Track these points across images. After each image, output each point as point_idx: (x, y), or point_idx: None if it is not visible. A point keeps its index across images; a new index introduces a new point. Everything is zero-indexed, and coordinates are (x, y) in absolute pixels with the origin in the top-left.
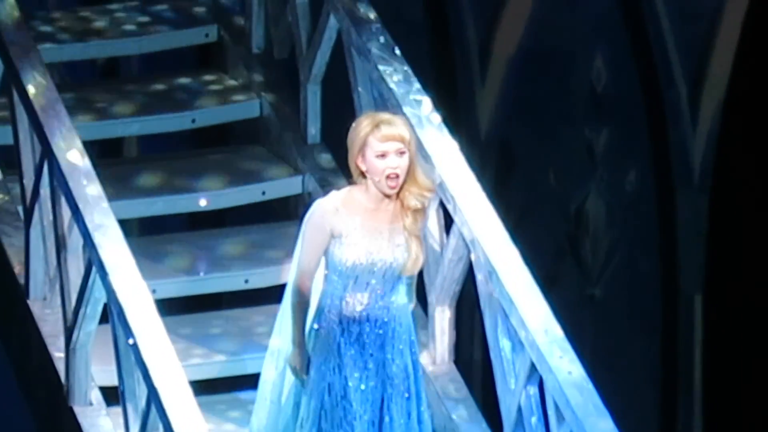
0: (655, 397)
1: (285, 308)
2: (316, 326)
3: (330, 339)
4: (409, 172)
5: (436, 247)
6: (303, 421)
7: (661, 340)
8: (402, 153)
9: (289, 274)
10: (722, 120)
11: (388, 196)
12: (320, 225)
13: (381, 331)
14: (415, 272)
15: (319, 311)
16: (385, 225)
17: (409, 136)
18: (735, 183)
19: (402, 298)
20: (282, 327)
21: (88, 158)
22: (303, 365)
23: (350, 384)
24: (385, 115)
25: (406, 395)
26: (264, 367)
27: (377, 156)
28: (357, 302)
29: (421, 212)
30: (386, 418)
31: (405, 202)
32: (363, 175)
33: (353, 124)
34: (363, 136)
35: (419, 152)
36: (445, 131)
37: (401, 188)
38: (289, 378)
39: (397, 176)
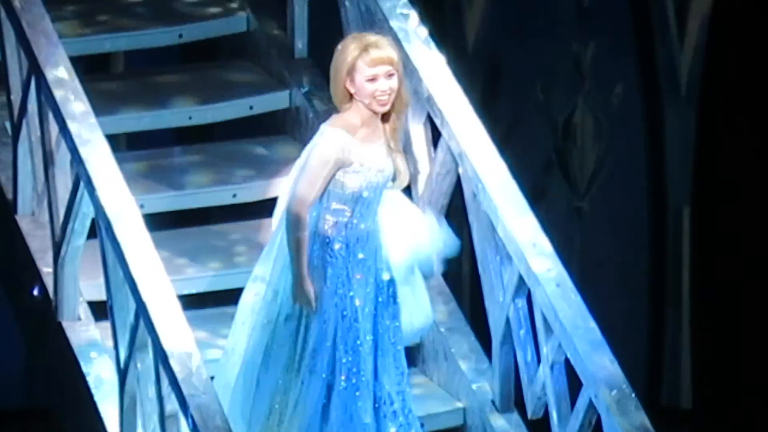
0: (644, 309)
1: (274, 239)
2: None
3: (339, 267)
4: (398, 92)
5: (424, 161)
6: (314, 351)
7: (649, 253)
8: (391, 75)
9: (283, 202)
10: (709, 33)
11: (376, 113)
12: (332, 159)
13: (377, 243)
14: (405, 184)
15: (324, 241)
16: (379, 142)
17: (397, 57)
18: (722, 95)
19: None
20: (270, 256)
21: (75, 74)
22: (312, 296)
23: (358, 306)
24: (372, 37)
25: (392, 300)
26: (245, 291)
27: (367, 80)
28: (361, 222)
29: (399, 128)
30: (380, 330)
31: (390, 119)
32: (350, 97)
33: (338, 47)
34: (351, 60)
35: (407, 71)
36: (432, 45)
37: (390, 108)
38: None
39: (388, 98)
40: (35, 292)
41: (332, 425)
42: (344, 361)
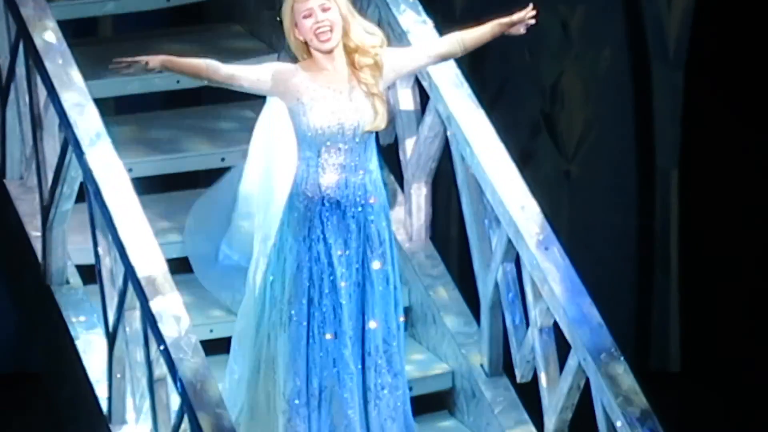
0: (632, 274)
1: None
2: (299, 198)
3: (311, 210)
4: (349, 33)
5: (412, 124)
6: (291, 297)
7: (638, 217)
8: (326, 9)
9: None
10: None
11: (329, 53)
12: (274, 68)
13: (360, 192)
14: (382, 127)
15: (297, 186)
16: (343, 85)
17: None
18: (710, 58)
19: (376, 165)
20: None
21: (63, 38)
22: (148, 62)
23: (334, 251)
24: None
25: (383, 258)
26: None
27: (304, 17)
28: (333, 168)
29: (374, 67)
30: (367, 284)
31: (355, 61)
32: (307, 50)
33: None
34: (289, 6)
35: (394, 34)
36: (420, 8)
37: (346, 49)
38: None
39: (328, 29)
40: None
41: (317, 370)
42: (320, 306)
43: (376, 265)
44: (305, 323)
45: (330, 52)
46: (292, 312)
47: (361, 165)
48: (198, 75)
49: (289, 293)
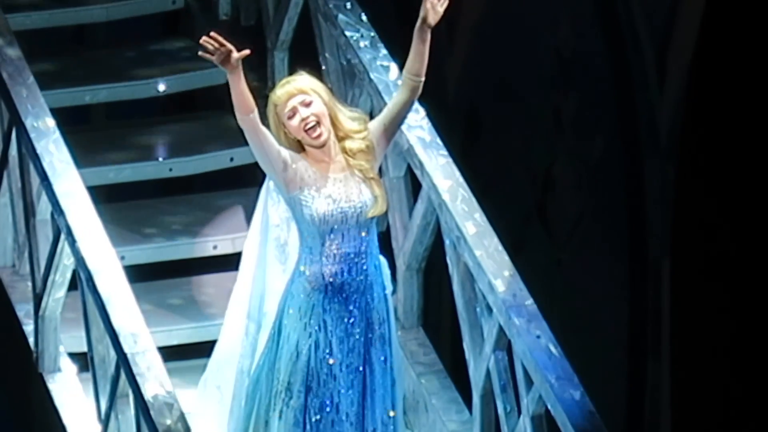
0: (624, 361)
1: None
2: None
3: (313, 298)
4: (335, 123)
5: (404, 212)
6: (290, 384)
7: (629, 305)
8: (308, 103)
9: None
10: (689, 85)
11: (321, 148)
12: (288, 155)
13: (362, 278)
14: (384, 210)
15: (300, 275)
16: (342, 173)
17: (308, 85)
18: (702, 148)
19: (377, 247)
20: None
21: (56, 125)
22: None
23: (334, 338)
24: (282, 80)
25: (382, 338)
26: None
27: (289, 117)
28: (337, 256)
29: (367, 152)
30: (368, 368)
31: (346, 148)
32: (300, 145)
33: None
34: (272, 111)
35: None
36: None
37: (337, 138)
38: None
39: (315, 125)
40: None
41: None
42: (318, 395)
43: (376, 347)
44: (302, 412)
45: (323, 145)
46: (290, 401)
47: (363, 251)
48: (245, 105)
49: (286, 381)
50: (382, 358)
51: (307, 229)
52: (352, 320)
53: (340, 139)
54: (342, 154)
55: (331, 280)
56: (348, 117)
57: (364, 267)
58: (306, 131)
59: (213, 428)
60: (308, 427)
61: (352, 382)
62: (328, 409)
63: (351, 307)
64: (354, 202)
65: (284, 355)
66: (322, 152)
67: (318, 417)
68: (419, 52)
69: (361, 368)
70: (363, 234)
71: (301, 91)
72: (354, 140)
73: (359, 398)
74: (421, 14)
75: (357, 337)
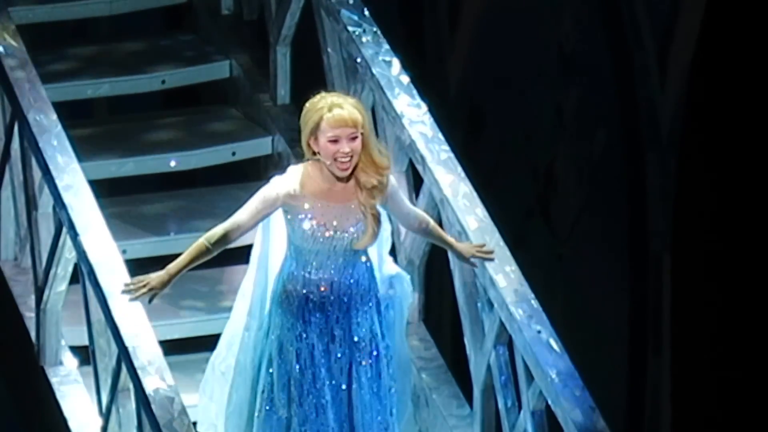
0: (625, 356)
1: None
2: (282, 293)
3: (294, 307)
4: (364, 153)
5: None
6: (274, 387)
7: (630, 300)
8: (353, 138)
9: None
10: (690, 80)
11: (340, 180)
12: (271, 199)
13: (346, 299)
14: (364, 246)
15: (283, 281)
16: (342, 203)
17: (361, 119)
18: (703, 143)
19: (369, 264)
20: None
21: (58, 119)
22: (154, 287)
23: (316, 351)
24: (337, 99)
25: (375, 354)
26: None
27: (329, 141)
28: (319, 277)
29: (378, 189)
30: (354, 384)
31: (360, 181)
32: (315, 154)
33: (306, 105)
34: (316, 119)
35: (389, 117)
36: (414, 92)
37: (356, 168)
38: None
39: (349, 160)
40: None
41: None
42: (301, 405)
43: (365, 366)
44: (284, 419)
45: (343, 179)
46: (271, 404)
47: (347, 271)
48: (203, 256)
49: (268, 382)
50: (376, 373)
51: (295, 242)
52: (334, 337)
53: (360, 168)
54: (353, 185)
55: (312, 296)
56: (378, 150)
57: (349, 290)
58: (336, 161)
59: (215, 412)
60: None
61: (336, 398)
62: (313, 421)
63: (332, 324)
64: (347, 233)
65: (266, 355)
66: (333, 178)
67: (304, 428)
68: (440, 241)
69: (344, 386)
70: (348, 262)
71: (354, 125)
72: (371, 176)
73: (346, 416)
74: (463, 254)
75: (339, 356)
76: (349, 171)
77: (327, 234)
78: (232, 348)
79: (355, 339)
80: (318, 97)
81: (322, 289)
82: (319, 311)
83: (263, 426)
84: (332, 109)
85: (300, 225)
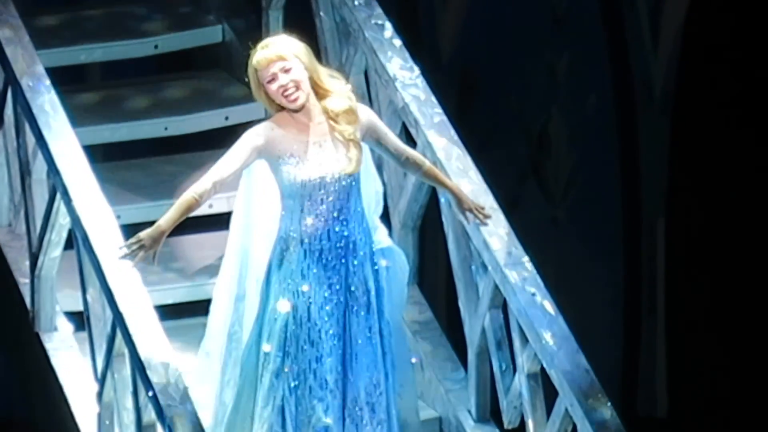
0: (619, 319)
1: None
2: (281, 252)
3: (292, 262)
4: (316, 84)
5: (400, 171)
6: (267, 338)
7: (624, 263)
8: (287, 69)
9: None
10: (683, 42)
11: (298, 111)
12: (252, 142)
13: (342, 244)
14: (350, 171)
15: (280, 239)
16: (322, 137)
17: (287, 50)
18: (696, 104)
19: (359, 210)
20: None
21: (51, 85)
22: (148, 245)
23: (314, 304)
24: (262, 42)
25: (367, 306)
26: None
27: (268, 82)
28: (316, 220)
29: (349, 113)
30: (348, 334)
31: (328, 110)
32: (280, 106)
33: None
34: (252, 71)
35: (381, 80)
36: (407, 55)
37: (318, 97)
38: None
39: (294, 89)
40: None
41: (293, 423)
42: (296, 360)
43: (358, 315)
44: (281, 375)
45: (301, 108)
46: (268, 365)
47: (343, 214)
48: (192, 208)
49: (266, 332)
50: (367, 327)
51: (287, 193)
52: (331, 286)
53: (321, 97)
54: (325, 118)
55: (308, 243)
56: (328, 75)
57: (345, 233)
58: (284, 96)
59: (206, 395)
60: (286, 392)
61: (332, 349)
62: (305, 375)
63: (329, 273)
64: (334, 168)
65: (266, 321)
66: (301, 114)
67: (296, 383)
68: (439, 184)
69: (340, 335)
70: (343, 196)
71: (280, 58)
72: (334, 99)
73: (339, 365)
74: (468, 204)
75: (335, 303)
76: (301, 99)
77: (316, 170)
78: (220, 328)
79: (350, 287)
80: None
81: (320, 240)
82: (317, 262)
83: (263, 387)
84: (257, 53)
85: (287, 169)
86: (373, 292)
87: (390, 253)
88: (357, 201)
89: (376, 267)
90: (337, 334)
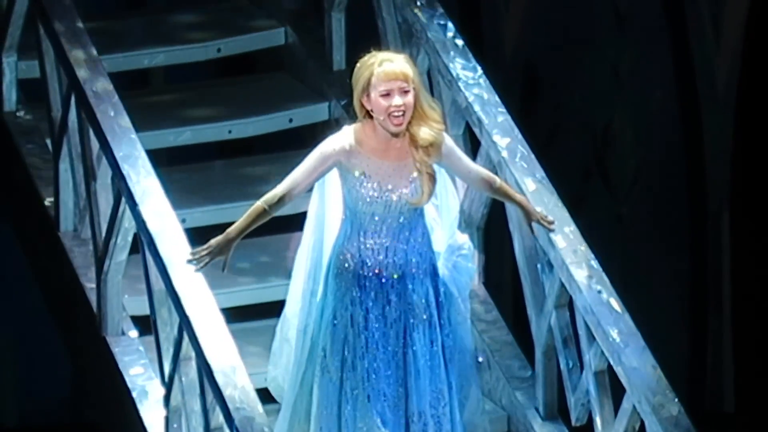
0: (685, 315)
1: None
2: (339, 258)
3: (350, 273)
4: (417, 108)
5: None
6: (327, 352)
7: (690, 258)
8: (405, 92)
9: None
10: (745, 36)
11: (395, 135)
12: (327, 155)
13: (402, 262)
14: (421, 205)
15: (340, 246)
16: (396, 162)
17: (412, 73)
18: (760, 98)
19: (424, 233)
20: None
21: (114, 89)
22: (217, 254)
23: (371, 315)
24: (387, 54)
25: (428, 322)
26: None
27: (381, 95)
28: (375, 240)
29: (434, 146)
30: (410, 351)
31: (415, 138)
32: (368, 114)
33: (357, 64)
34: (367, 75)
35: (444, 81)
36: (470, 55)
37: (410, 125)
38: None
39: (402, 114)
40: None
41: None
42: (354, 368)
43: (418, 331)
44: (337, 382)
45: (398, 135)
46: (327, 369)
47: (403, 235)
48: (262, 218)
49: (324, 343)
50: (429, 341)
51: (351, 207)
52: (389, 303)
53: (413, 124)
54: (407, 143)
55: (367, 259)
56: (428, 104)
57: (405, 254)
58: (389, 116)
59: (282, 377)
60: (345, 398)
61: (390, 363)
62: (365, 384)
63: (387, 290)
64: (400, 194)
65: (324, 321)
66: (387, 136)
67: (356, 391)
68: (509, 200)
69: (399, 351)
70: (405, 220)
71: (405, 78)
72: (425, 129)
73: (401, 381)
74: (535, 215)
75: (394, 319)
76: (403, 126)
77: (381, 194)
78: (293, 318)
79: (410, 304)
80: (368, 55)
81: (378, 255)
82: (375, 276)
83: (319, 390)
84: (383, 63)
85: (355, 185)
86: (433, 306)
87: (461, 271)
88: (421, 225)
89: (438, 287)
90: (395, 349)
